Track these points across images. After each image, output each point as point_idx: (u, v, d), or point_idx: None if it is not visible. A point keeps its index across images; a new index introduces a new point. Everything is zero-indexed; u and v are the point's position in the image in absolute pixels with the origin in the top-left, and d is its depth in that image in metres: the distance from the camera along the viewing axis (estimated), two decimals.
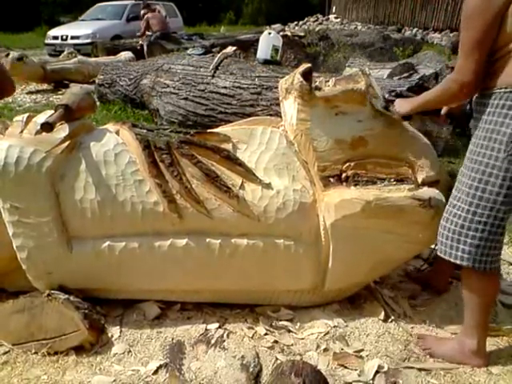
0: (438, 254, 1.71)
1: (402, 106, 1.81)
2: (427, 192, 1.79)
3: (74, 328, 1.68)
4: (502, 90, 1.48)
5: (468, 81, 1.51)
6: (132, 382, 1.59)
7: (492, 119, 1.51)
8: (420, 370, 1.69)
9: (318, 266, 1.86)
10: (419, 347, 1.80)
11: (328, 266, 1.84)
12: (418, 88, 3.37)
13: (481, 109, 1.57)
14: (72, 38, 11.56)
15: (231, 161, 1.82)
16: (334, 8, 18.80)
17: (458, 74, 1.54)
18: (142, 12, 9.43)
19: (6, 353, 1.70)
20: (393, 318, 1.95)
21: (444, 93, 1.64)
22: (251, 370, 1.64)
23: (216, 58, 4.44)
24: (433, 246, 2.16)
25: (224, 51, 4.70)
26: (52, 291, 1.75)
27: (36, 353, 1.69)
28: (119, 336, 1.82)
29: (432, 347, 1.78)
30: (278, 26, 14.09)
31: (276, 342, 1.80)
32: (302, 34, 7.08)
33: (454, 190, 1.66)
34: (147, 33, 9.00)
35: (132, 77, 5.38)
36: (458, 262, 1.62)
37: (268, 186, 1.80)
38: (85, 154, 1.80)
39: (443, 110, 1.93)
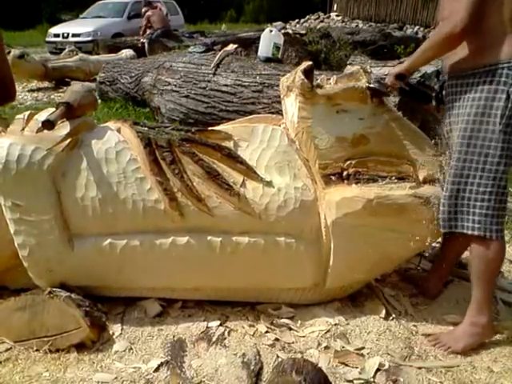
0: (444, 230, 1.76)
1: (398, 65, 1.87)
2: (429, 190, 1.79)
3: (76, 325, 1.69)
4: (487, 67, 1.58)
5: (464, 22, 1.54)
6: (133, 380, 1.59)
7: (481, 96, 1.61)
8: (421, 367, 1.69)
9: (319, 263, 1.86)
10: (436, 347, 1.79)
11: (329, 263, 1.84)
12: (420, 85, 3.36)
13: (465, 89, 1.67)
14: (73, 35, 11.56)
15: (232, 159, 1.82)
16: (336, 6, 18.72)
17: (454, 15, 1.57)
18: (144, 10, 9.41)
19: (7, 350, 1.70)
20: (394, 315, 1.95)
21: (440, 36, 1.64)
22: (252, 367, 1.64)
23: (217, 56, 4.43)
24: (434, 244, 2.17)
25: (225, 49, 4.69)
26: (53, 289, 1.75)
27: (37, 350, 1.69)
28: (120, 333, 1.82)
29: (450, 344, 1.78)
30: (279, 23, 14.05)
31: (277, 339, 1.80)
32: (304, 31, 7.06)
33: (450, 169, 1.73)
34: (148, 30, 8.99)
35: (133, 75, 5.39)
36: (469, 232, 1.70)
37: (269, 183, 1.80)
38: (86, 152, 1.80)
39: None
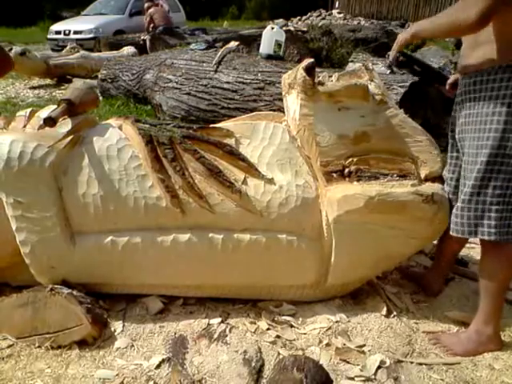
0: (456, 234, 1.71)
1: (404, 31, 1.80)
2: (430, 187, 1.79)
3: (77, 322, 1.69)
4: None
5: (481, 19, 1.40)
6: (135, 376, 1.60)
7: (499, 94, 1.53)
8: (421, 364, 1.69)
9: (321, 261, 1.86)
10: (435, 346, 1.78)
11: (330, 261, 1.84)
12: (421, 84, 3.36)
13: (475, 88, 1.60)
14: (75, 32, 11.54)
15: (234, 156, 1.82)
16: (337, 3, 18.70)
17: (473, 5, 1.41)
18: (146, 6, 9.40)
19: (10, 346, 1.71)
20: (395, 313, 1.95)
21: (453, 20, 1.50)
22: (253, 364, 1.64)
23: (219, 53, 4.43)
24: (435, 242, 2.17)
25: (227, 46, 4.69)
26: (55, 286, 1.76)
27: (39, 346, 1.70)
28: (122, 330, 1.82)
29: (452, 346, 1.76)
30: (280, 20, 14.01)
31: (278, 336, 1.80)
32: (305, 29, 7.05)
33: (464, 171, 1.68)
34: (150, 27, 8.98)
35: (135, 72, 5.38)
36: (485, 238, 1.63)
37: (271, 181, 1.80)
38: (88, 149, 1.80)
39: (450, 80, 1.97)
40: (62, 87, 7.29)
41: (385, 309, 1.95)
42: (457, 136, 1.76)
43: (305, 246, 1.82)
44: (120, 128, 1.91)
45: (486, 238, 1.64)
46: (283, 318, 1.91)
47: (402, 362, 1.69)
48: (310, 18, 17.36)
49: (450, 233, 1.74)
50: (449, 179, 1.86)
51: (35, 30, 18.72)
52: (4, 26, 18.29)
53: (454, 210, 1.72)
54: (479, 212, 1.63)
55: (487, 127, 1.58)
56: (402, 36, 1.79)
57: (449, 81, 1.98)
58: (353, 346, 1.75)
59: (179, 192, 1.76)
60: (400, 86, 3.27)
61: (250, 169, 1.81)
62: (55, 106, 1.84)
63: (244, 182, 1.79)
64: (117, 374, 1.60)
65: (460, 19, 1.46)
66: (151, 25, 9.03)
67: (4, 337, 1.73)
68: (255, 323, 1.87)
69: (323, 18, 17.14)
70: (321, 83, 1.82)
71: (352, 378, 1.62)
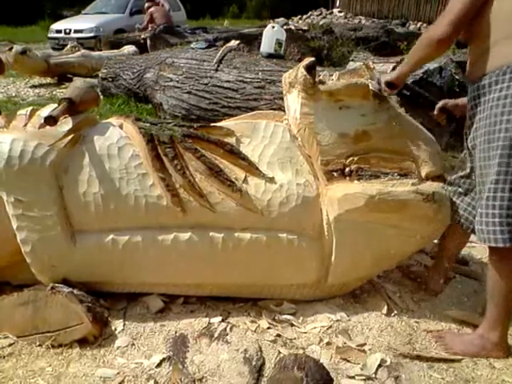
0: (481, 242, 1.67)
1: (389, 73, 1.87)
2: (431, 186, 1.79)
3: (78, 321, 1.69)
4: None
5: (446, 31, 1.60)
6: (135, 375, 1.60)
7: (508, 93, 1.53)
8: (421, 361, 1.69)
9: (321, 260, 1.86)
10: (437, 344, 1.78)
11: (331, 260, 1.84)
12: (422, 82, 3.36)
13: (485, 91, 1.60)
14: (75, 31, 11.54)
15: (234, 155, 1.82)
16: (338, 2, 18.66)
17: (440, 21, 1.63)
18: (146, 5, 9.39)
19: (11, 345, 1.71)
20: (395, 312, 1.95)
21: (420, 41, 1.70)
22: (254, 363, 1.64)
23: (219, 52, 4.43)
24: (436, 241, 2.17)
25: (227, 45, 4.69)
26: (56, 284, 1.76)
27: (40, 345, 1.70)
28: (123, 329, 1.82)
29: (453, 346, 1.75)
30: (281, 19, 13.98)
31: (279, 335, 1.81)
32: (306, 27, 7.04)
33: (479, 177, 1.66)
34: (150, 26, 8.97)
35: (135, 71, 5.38)
36: (501, 245, 1.58)
37: (271, 180, 1.80)
38: (88, 148, 1.80)
39: (439, 105, 2.02)
40: (63, 86, 7.29)
41: (385, 307, 1.95)
42: (469, 144, 1.74)
43: (305, 245, 1.82)
44: (121, 127, 1.91)
45: (501, 245, 1.58)
46: (284, 316, 1.91)
47: (402, 360, 1.69)
48: (311, 17, 17.34)
49: (476, 240, 1.73)
50: (461, 182, 1.86)
51: (36, 29, 18.71)
52: (4, 25, 18.28)
53: (477, 218, 1.67)
54: (497, 218, 1.57)
55: (497, 128, 1.56)
56: (387, 76, 1.85)
57: (438, 105, 2.01)
58: (353, 345, 1.75)
59: (180, 191, 1.76)
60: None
61: (251, 168, 1.81)
62: (56, 105, 1.84)
63: (245, 180, 1.79)
64: (117, 373, 1.61)
65: (432, 34, 1.64)
66: (151, 24, 9.01)
67: (5, 335, 1.74)
68: (256, 322, 1.87)
69: (324, 17, 17.11)
70: (321, 82, 1.81)
71: (352, 377, 1.62)
